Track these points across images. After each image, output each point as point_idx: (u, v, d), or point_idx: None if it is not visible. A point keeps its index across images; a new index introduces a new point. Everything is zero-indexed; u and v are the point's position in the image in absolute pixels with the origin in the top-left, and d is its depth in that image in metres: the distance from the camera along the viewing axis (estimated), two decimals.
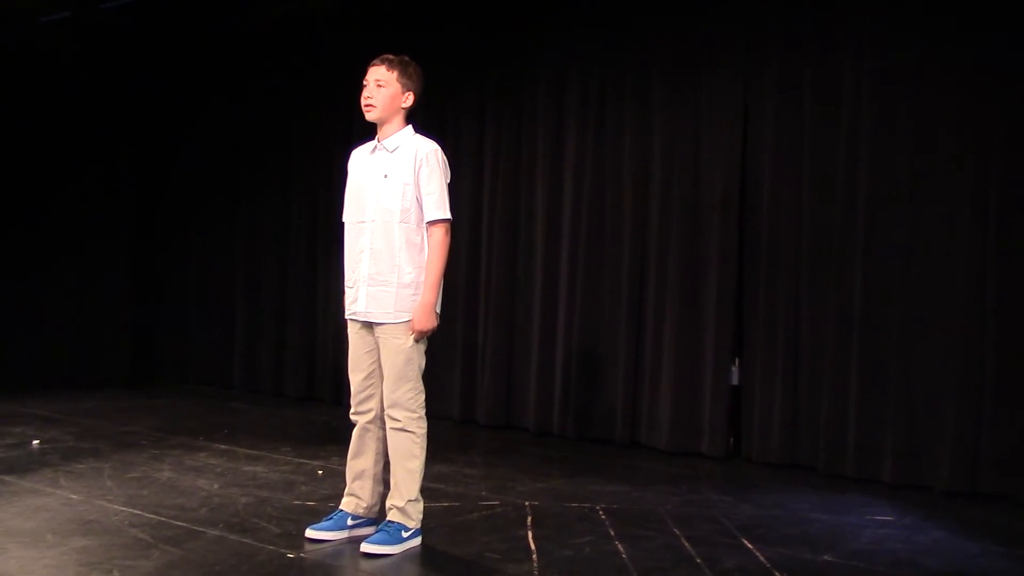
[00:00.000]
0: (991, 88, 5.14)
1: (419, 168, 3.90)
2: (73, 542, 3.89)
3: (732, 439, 6.00)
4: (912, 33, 5.37)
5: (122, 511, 4.36)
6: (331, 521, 4.06)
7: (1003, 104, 5.11)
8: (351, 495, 4.08)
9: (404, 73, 3.95)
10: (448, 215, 3.94)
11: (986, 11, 5.16)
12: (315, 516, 4.24)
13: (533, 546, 4.03)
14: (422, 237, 3.93)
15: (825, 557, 4.00)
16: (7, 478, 4.90)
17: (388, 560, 3.80)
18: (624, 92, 6.33)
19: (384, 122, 3.96)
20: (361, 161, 4.06)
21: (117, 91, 8.45)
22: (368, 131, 4.10)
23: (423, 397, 3.95)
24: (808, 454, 5.65)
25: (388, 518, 3.93)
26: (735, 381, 6.01)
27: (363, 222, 3.96)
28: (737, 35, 5.94)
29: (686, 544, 4.11)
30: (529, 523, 4.37)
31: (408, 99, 3.97)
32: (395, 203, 3.89)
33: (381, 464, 4.06)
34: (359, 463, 4.06)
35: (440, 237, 3.91)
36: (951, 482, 5.14)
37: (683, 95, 6.11)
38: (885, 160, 5.43)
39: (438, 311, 3.94)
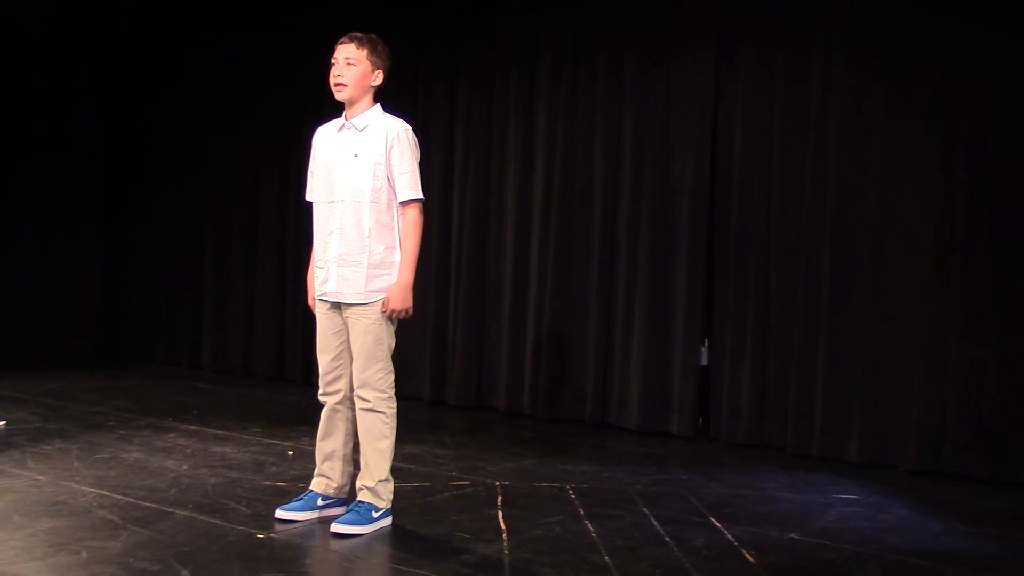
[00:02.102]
0: (961, 74, 5.18)
1: (390, 147, 3.88)
2: (41, 523, 3.86)
3: (701, 419, 6.05)
4: (882, 18, 5.39)
5: (90, 492, 4.33)
6: (301, 501, 4.05)
7: (972, 90, 5.15)
8: (321, 476, 4.08)
9: (373, 51, 3.92)
10: (421, 195, 3.93)
11: None
12: (285, 496, 4.23)
13: (503, 526, 4.04)
14: (392, 217, 3.91)
15: (792, 535, 4.05)
16: None
17: (358, 540, 3.80)
18: (596, 74, 6.32)
19: (354, 101, 3.93)
20: (328, 140, 4.02)
21: (85, 66, 8.32)
22: (336, 109, 4.06)
23: (392, 377, 3.95)
24: (776, 434, 5.71)
25: (358, 498, 3.93)
26: (704, 362, 6.05)
27: (333, 202, 3.93)
28: (709, 18, 5.95)
29: (655, 523, 4.15)
30: (499, 503, 4.39)
31: (378, 77, 3.94)
32: (366, 183, 3.87)
33: (351, 445, 4.05)
34: (329, 444, 4.05)
35: (415, 216, 3.91)
36: (916, 461, 5.22)
37: (654, 78, 6.12)
38: (854, 145, 5.47)
39: None
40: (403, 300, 3.89)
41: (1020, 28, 5.04)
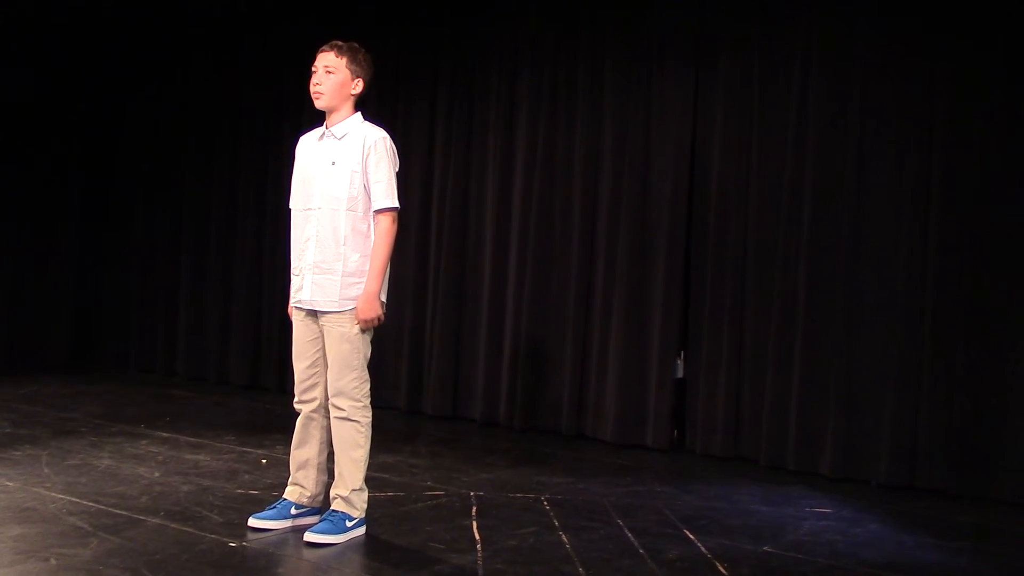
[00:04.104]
0: (937, 87, 5.24)
1: (367, 156, 3.88)
2: (9, 530, 3.81)
3: (676, 431, 6.07)
4: (859, 28, 5.45)
5: (60, 499, 4.29)
6: (274, 510, 4.03)
7: (946, 102, 5.21)
8: (295, 484, 4.06)
9: (354, 60, 3.92)
10: (396, 204, 3.92)
11: (930, 6, 5.25)
12: (258, 505, 4.20)
13: (477, 536, 4.04)
14: (368, 225, 3.91)
15: (765, 548, 4.06)
16: None
17: (332, 549, 3.78)
18: (576, 83, 6.34)
19: (333, 109, 3.93)
20: (308, 148, 4.02)
21: (63, 72, 8.25)
22: (317, 117, 4.06)
23: (368, 386, 3.94)
24: (750, 447, 5.73)
25: (332, 507, 3.92)
26: (680, 374, 6.07)
27: (310, 209, 3.93)
28: (688, 29, 5.99)
29: (629, 535, 4.15)
30: (474, 513, 4.38)
31: (358, 86, 3.95)
32: (342, 191, 3.87)
33: (325, 453, 4.04)
34: (303, 452, 4.03)
35: (387, 226, 3.90)
36: (888, 476, 5.25)
37: (634, 87, 6.14)
38: (831, 156, 5.51)
39: (384, 300, 3.93)
40: (370, 309, 3.86)
41: (994, 43, 5.10)
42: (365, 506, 3.96)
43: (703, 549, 3.99)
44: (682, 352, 6.07)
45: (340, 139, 3.92)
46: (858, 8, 5.46)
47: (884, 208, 5.38)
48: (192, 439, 5.69)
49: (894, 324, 5.31)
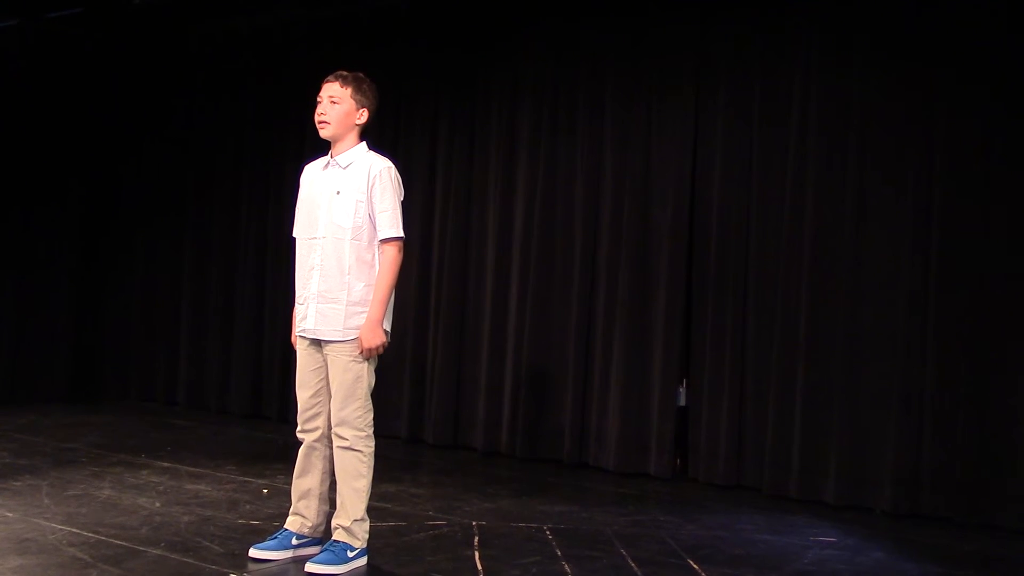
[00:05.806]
0: (933, 116, 5.28)
1: (372, 185, 3.90)
2: (9, 561, 3.79)
3: (679, 460, 6.05)
4: (858, 57, 5.49)
5: (60, 530, 4.27)
6: (275, 540, 4.01)
7: (946, 130, 5.24)
8: (296, 514, 4.04)
9: (358, 90, 3.95)
10: (401, 233, 3.94)
11: (928, 41, 5.29)
12: (259, 535, 4.18)
13: (480, 566, 4.01)
14: (373, 255, 3.92)
15: None
16: None
17: None
18: (576, 112, 6.38)
19: (338, 139, 3.96)
20: (313, 177, 4.04)
21: (65, 104, 8.29)
22: (320, 146, 4.08)
23: (371, 416, 3.93)
24: (753, 475, 5.71)
25: (333, 538, 3.90)
26: (683, 402, 6.05)
27: (314, 238, 3.94)
28: (688, 60, 6.03)
29: (633, 564, 4.12)
30: (476, 543, 4.36)
31: (362, 116, 3.97)
32: (347, 220, 3.88)
33: (327, 483, 4.02)
34: (305, 482, 4.02)
35: (392, 255, 3.91)
36: (892, 504, 5.23)
37: (635, 116, 6.17)
38: (831, 184, 5.53)
39: (387, 329, 3.94)
40: (373, 337, 3.86)
41: (993, 74, 5.14)
42: (367, 536, 3.94)
43: None
44: (684, 380, 6.06)
45: (345, 168, 3.94)
46: (858, 37, 5.50)
47: (885, 234, 5.39)
48: (193, 469, 5.67)
49: (896, 350, 5.31)
